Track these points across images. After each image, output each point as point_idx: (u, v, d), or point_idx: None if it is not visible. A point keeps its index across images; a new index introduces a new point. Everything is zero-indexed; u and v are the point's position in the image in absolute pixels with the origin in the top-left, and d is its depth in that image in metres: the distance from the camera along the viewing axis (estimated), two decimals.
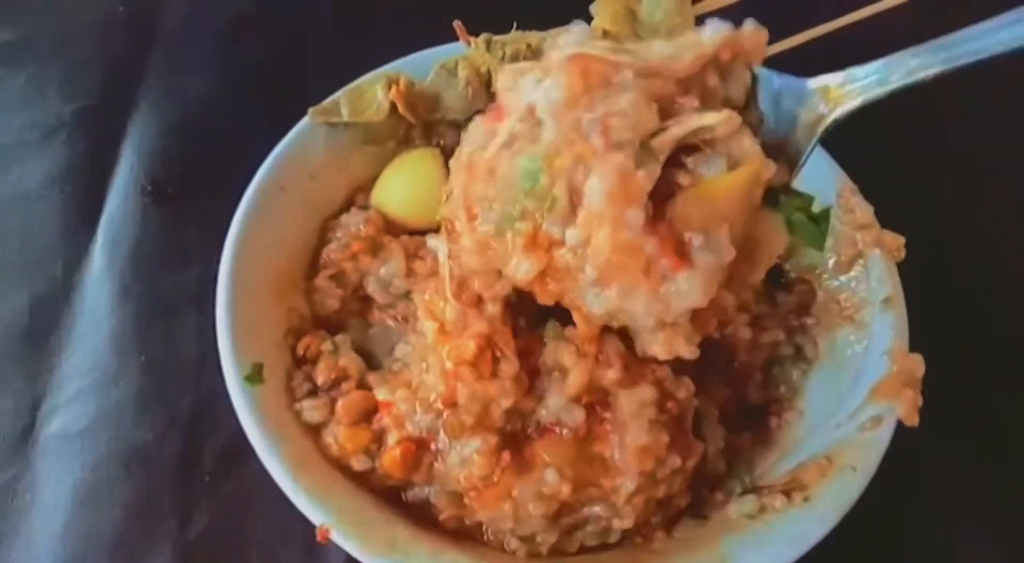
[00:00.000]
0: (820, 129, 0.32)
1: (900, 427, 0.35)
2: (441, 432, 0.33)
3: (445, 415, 0.33)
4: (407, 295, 0.38)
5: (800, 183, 0.42)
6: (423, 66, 0.43)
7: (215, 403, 0.44)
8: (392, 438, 0.34)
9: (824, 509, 0.33)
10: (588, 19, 0.44)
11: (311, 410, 0.36)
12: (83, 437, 0.44)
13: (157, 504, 0.42)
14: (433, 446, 0.34)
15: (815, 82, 0.32)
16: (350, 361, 0.37)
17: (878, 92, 0.31)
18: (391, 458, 0.34)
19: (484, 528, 0.35)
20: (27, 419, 0.45)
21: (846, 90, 0.31)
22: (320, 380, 0.37)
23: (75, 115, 0.57)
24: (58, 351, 0.47)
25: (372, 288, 0.40)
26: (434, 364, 0.34)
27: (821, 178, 0.41)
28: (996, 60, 0.28)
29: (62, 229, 0.52)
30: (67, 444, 0.44)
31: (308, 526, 0.40)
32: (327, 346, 0.38)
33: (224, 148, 0.53)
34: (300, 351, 0.38)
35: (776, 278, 0.42)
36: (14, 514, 0.42)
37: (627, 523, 0.33)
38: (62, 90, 0.59)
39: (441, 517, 0.35)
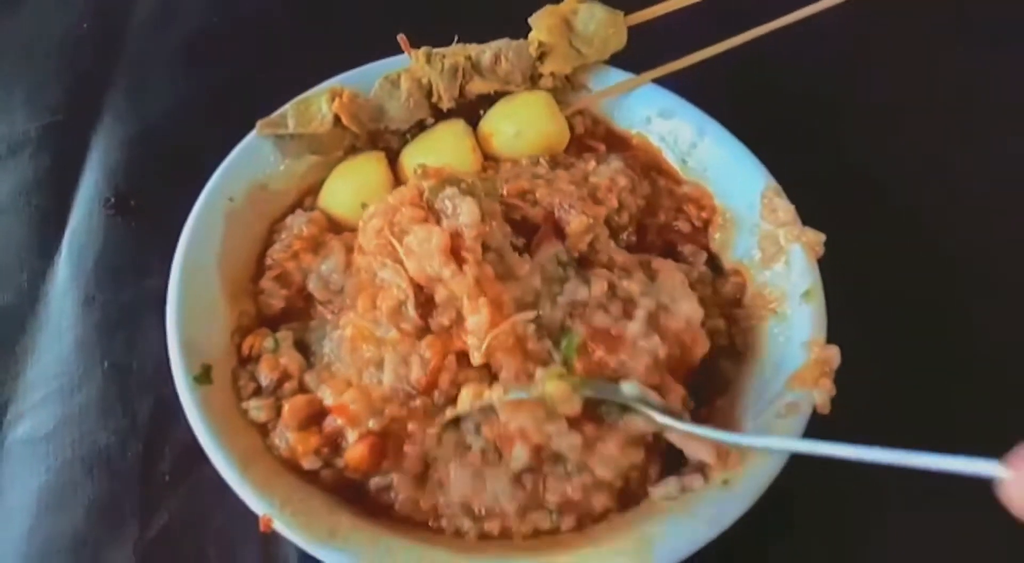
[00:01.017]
0: None
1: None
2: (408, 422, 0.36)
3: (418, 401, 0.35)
4: (344, 290, 0.40)
5: (728, 185, 0.45)
6: (369, 79, 0.45)
7: (174, 407, 0.44)
8: (352, 436, 0.36)
9: (742, 491, 0.35)
10: (527, 30, 0.46)
11: (257, 410, 0.38)
12: (48, 441, 0.45)
13: (119, 504, 0.44)
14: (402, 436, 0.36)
15: None
16: (291, 359, 0.39)
17: None
18: (359, 453, 0.36)
19: (439, 511, 0.36)
20: None
21: None
22: (263, 381, 0.39)
23: (40, 131, 0.58)
24: (24, 358, 0.49)
25: (313, 285, 0.41)
26: (393, 362, 0.36)
27: (748, 179, 0.44)
28: None
29: (28, 241, 0.53)
30: (32, 448, 0.45)
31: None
32: (269, 343, 0.39)
33: (185, 162, 0.54)
34: (244, 351, 0.39)
35: (715, 266, 0.45)
36: None
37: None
38: (27, 107, 0.60)
39: (398, 501, 0.36)
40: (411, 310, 0.37)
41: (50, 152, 0.57)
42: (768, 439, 0.36)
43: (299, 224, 0.42)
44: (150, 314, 0.48)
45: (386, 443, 0.36)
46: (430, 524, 0.37)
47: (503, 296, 0.36)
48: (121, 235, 0.53)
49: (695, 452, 0.35)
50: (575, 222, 0.40)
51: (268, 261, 0.42)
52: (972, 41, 0.61)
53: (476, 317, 0.35)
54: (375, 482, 0.37)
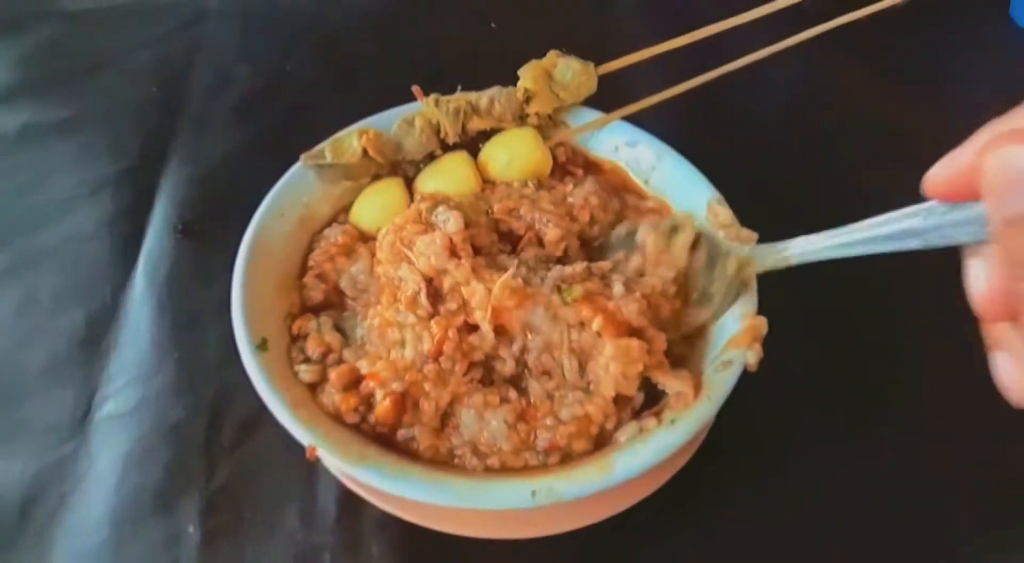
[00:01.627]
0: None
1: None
2: (424, 383, 0.45)
3: (431, 367, 0.44)
4: (368, 289, 0.50)
5: (682, 197, 0.54)
6: (389, 121, 0.55)
7: (233, 391, 0.55)
8: (380, 395, 0.45)
9: (685, 427, 0.43)
10: (516, 80, 0.56)
11: (306, 372, 0.46)
12: (130, 417, 0.54)
13: (188, 466, 0.52)
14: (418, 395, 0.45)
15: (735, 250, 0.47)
16: (332, 337, 0.48)
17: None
18: (384, 408, 0.44)
19: (453, 452, 0.45)
20: (85, 405, 0.55)
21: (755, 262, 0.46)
22: (311, 353, 0.47)
23: (118, 174, 0.68)
24: (107, 355, 0.57)
25: (344, 283, 0.50)
26: (412, 340, 0.46)
27: (697, 192, 0.53)
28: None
29: (110, 261, 0.62)
30: (117, 423, 0.54)
31: (304, 477, 0.51)
32: (313, 325, 0.49)
33: (239, 195, 0.62)
34: (294, 331, 0.49)
35: None
36: (75, 476, 0.52)
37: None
38: (107, 154, 0.70)
39: (421, 448, 0.44)
40: (423, 299, 0.47)
41: (127, 190, 0.67)
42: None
43: (335, 234, 0.52)
44: (212, 317, 0.58)
45: (406, 400, 0.45)
46: (448, 464, 0.45)
47: (495, 276, 0.46)
48: (188, 254, 0.62)
49: (674, 385, 0.44)
50: (551, 233, 0.50)
51: (310, 263, 0.52)
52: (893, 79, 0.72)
53: (476, 291, 0.45)
54: (402, 434, 0.45)
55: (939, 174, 0.32)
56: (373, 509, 0.49)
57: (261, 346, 0.46)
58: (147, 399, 0.55)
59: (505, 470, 0.44)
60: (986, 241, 0.30)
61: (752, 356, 0.45)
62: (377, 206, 0.52)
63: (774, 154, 0.68)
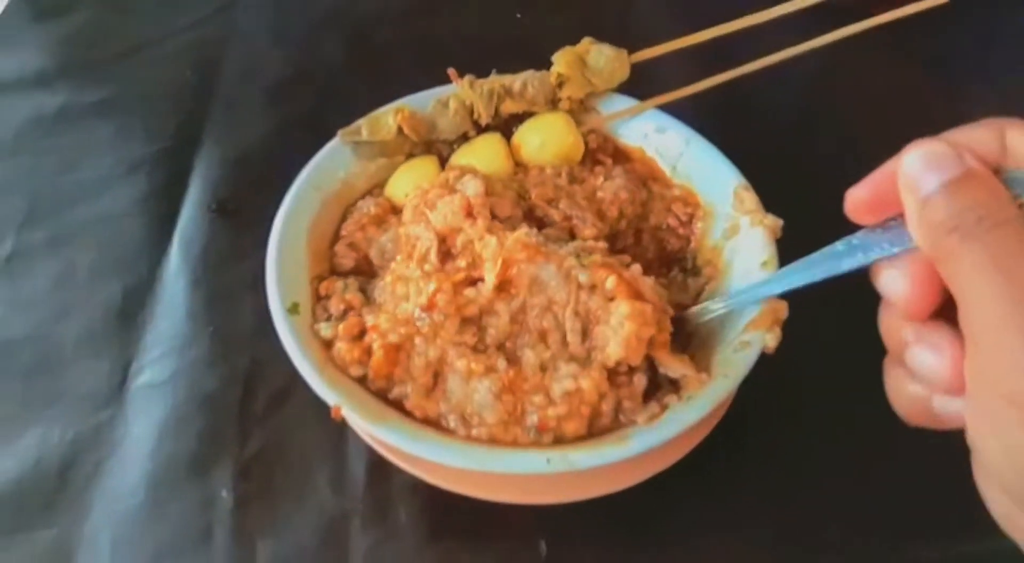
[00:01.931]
0: None
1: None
2: (416, 337, 0.45)
3: (425, 320, 0.45)
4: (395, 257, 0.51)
5: (708, 184, 0.55)
6: (425, 101, 0.56)
7: (265, 362, 0.56)
8: (376, 345, 0.45)
9: (702, 402, 0.44)
10: (549, 64, 0.57)
11: (325, 328, 0.47)
12: (165, 386, 0.56)
13: (222, 433, 0.53)
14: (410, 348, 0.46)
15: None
16: (354, 296, 0.49)
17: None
18: (376, 359, 0.45)
19: (440, 416, 0.45)
20: (120, 375, 0.56)
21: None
22: (333, 310, 0.49)
23: (154, 154, 0.70)
24: (143, 327, 0.59)
25: (373, 252, 0.52)
26: (414, 294, 0.46)
27: (723, 179, 0.54)
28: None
29: (145, 238, 0.64)
30: (152, 392, 0.55)
31: (334, 444, 0.53)
32: (339, 285, 0.50)
33: (271, 175, 0.64)
34: (321, 292, 0.50)
35: (684, 266, 0.54)
36: (112, 442, 0.53)
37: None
38: (143, 135, 0.72)
39: (410, 407, 0.45)
40: (433, 256, 0.48)
41: (163, 170, 0.69)
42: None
43: (368, 206, 0.53)
44: (245, 291, 0.59)
45: (398, 352, 0.46)
46: (439, 426, 0.45)
47: (510, 235, 0.46)
48: (221, 231, 0.64)
49: (677, 368, 0.45)
50: (587, 231, 0.51)
51: (343, 232, 0.53)
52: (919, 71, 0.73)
53: (488, 244, 0.46)
54: (395, 392, 0.46)
55: (858, 190, 0.33)
56: (401, 475, 0.50)
57: (292, 310, 0.48)
58: (182, 369, 0.57)
59: (494, 443, 0.44)
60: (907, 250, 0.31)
61: (771, 339, 0.46)
62: (411, 181, 0.54)
63: (802, 144, 0.69)
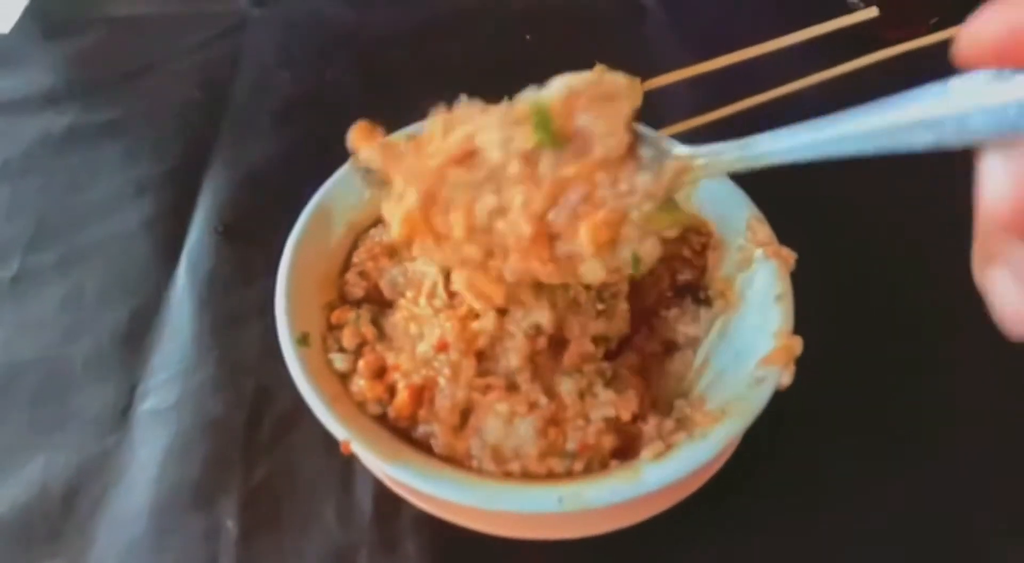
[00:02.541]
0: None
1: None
2: (439, 376, 0.45)
3: (439, 357, 0.45)
4: (406, 291, 0.50)
5: (721, 215, 0.55)
6: None
7: (272, 387, 0.56)
8: (401, 385, 0.45)
9: (716, 440, 0.43)
10: None
11: (339, 361, 0.47)
12: (170, 412, 0.55)
13: (227, 460, 0.53)
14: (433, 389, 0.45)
15: (679, 150, 0.39)
16: (368, 329, 0.49)
17: (737, 167, 0.36)
18: (401, 399, 0.45)
19: (470, 454, 0.45)
20: (126, 399, 0.56)
21: (703, 164, 0.38)
22: (346, 343, 0.48)
23: (162, 175, 0.70)
24: (150, 349, 0.59)
25: (384, 283, 0.51)
26: (428, 334, 0.46)
27: (736, 210, 0.54)
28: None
29: (153, 260, 0.64)
30: (158, 417, 0.55)
31: (341, 474, 0.52)
32: (352, 316, 0.49)
33: (279, 198, 0.64)
34: (333, 320, 0.50)
35: (696, 297, 0.54)
36: (117, 469, 0.53)
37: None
38: (151, 156, 0.72)
39: (439, 446, 0.45)
40: (441, 290, 0.48)
41: (170, 191, 0.69)
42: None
43: (380, 234, 0.53)
44: (252, 315, 0.60)
45: (423, 393, 0.46)
46: (464, 464, 0.45)
47: None
48: (228, 255, 0.64)
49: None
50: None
51: (354, 260, 0.53)
52: None
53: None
54: (419, 433, 0.46)
55: (982, 29, 0.22)
56: (409, 508, 0.50)
57: (302, 340, 0.48)
58: (187, 394, 0.57)
59: (527, 477, 0.45)
60: None
61: (786, 376, 0.45)
62: None
63: (813, 174, 0.68)
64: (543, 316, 0.46)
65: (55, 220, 0.67)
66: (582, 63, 0.64)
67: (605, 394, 0.46)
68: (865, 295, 0.60)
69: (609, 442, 0.45)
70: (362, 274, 0.53)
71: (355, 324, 0.49)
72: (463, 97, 0.56)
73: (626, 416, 0.45)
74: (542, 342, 0.47)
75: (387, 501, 0.51)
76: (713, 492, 0.49)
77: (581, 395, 0.46)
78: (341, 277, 0.53)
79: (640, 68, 0.59)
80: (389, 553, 0.50)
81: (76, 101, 0.77)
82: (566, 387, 0.46)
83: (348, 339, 0.49)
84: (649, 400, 0.49)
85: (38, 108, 0.76)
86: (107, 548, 0.50)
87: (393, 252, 0.53)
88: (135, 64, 0.80)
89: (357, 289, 0.52)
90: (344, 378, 0.48)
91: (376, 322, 0.50)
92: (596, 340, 0.48)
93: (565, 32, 0.84)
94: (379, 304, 0.52)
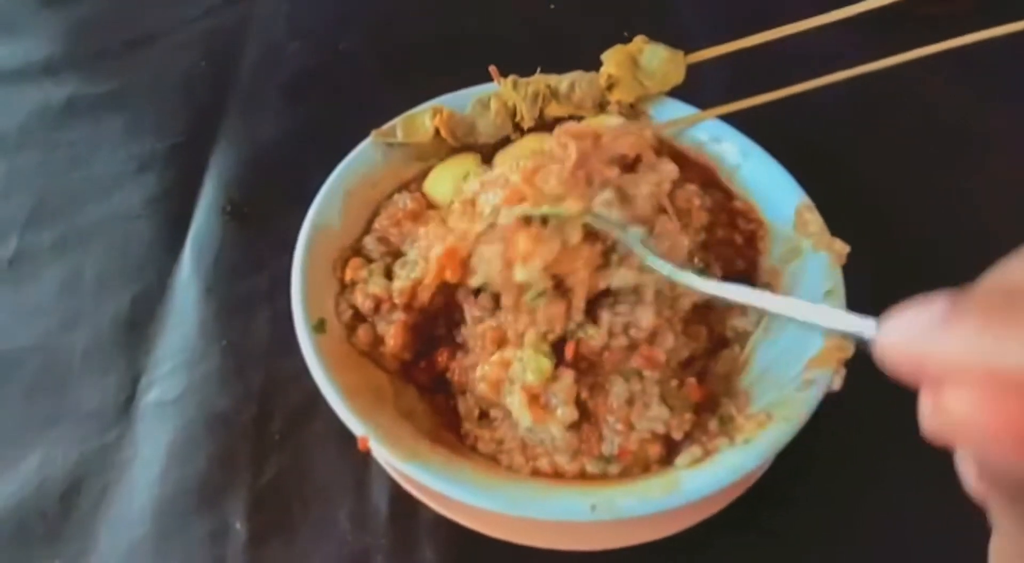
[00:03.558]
0: None
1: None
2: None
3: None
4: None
5: (767, 201, 0.51)
6: (463, 101, 0.53)
7: (283, 379, 0.53)
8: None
9: (760, 448, 0.41)
10: (599, 65, 0.54)
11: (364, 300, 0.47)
12: (175, 405, 0.53)
13: (235, 457, 0.50)
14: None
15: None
16: (382, 288, 0.47)
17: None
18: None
19: (501, 446, 0.43)
20: (129, 391, 0.54)
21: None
22: (361, 304, 0.47)
23: (166, 151, 0.67)
24: (154, 338, 0.56)
25: (407, 246, 0.49)
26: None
27: (784, 196, 0.50)
28: None
29: (156, 242, 0.61)
30: (162, 410, 0.53)
31: (356, 473, 0.50)
32: (365, 272, 0.48)
33: (289, 177, 0.63)
34: (347, 277, 0.48)
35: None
36: (119, 465, 0.51)
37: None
38: (155, 130, 0.69)
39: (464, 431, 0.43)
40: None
41: (175, 168, 0.66)
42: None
43: (404, 200, 0.51)
44: (261, 302, 0.57)
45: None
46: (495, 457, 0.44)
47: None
48: (236, 237, 0.61)
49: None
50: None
51: (374, 227, 0.51)
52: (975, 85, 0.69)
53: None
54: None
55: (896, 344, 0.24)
56: (427, 511, 0.47)
57: (318, 328, 0.45)
58: (193, 386, 0.54)
59: (558, 476, 0.42)
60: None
61: (837, 381, 0.42)
62: (452, 179, 0.51)
63: (861, 161, 0.64)
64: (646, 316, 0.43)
65: (53, 198, 0.65)
66: (608, 32, 0.61)
67: (659, 409, 0.43)
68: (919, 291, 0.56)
69: (655, 452, 0.42)
70: (381, 240, 0.50)
71: (366, 283, 0.47)
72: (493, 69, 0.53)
73: (677, 436, 0.42)
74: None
75: (404, 502, 0.48)
76: (749, 502, 0.46)
77: (630, 401, 0.43)
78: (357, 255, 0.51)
79: (668, 38, 0.56)
80: (406, 558, 0.47)
81: (75, 71, 0.74)
82: (616, 388, 0.43)
83: (362, 299, 0.47)
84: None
85: (35, 79, 0.73)
86: (108, 550, 0.48)
87: (419, 216, 0.50)
88: (137, 33, 0.77)
89: (374, 254, 0.50)
90: (354, 323, 0.46)
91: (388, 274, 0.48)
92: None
93: (590, 4, 0.80)
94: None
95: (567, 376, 0.42)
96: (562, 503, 0.40)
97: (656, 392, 0.43)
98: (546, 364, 0.41)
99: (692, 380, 0.44)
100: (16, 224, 0.63)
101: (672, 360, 0.44)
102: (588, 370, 0.43)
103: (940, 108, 0.68)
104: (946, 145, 0.66)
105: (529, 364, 0.41)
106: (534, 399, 0.41)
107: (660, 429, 0.42)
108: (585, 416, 0.43)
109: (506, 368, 0.42)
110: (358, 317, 0.47)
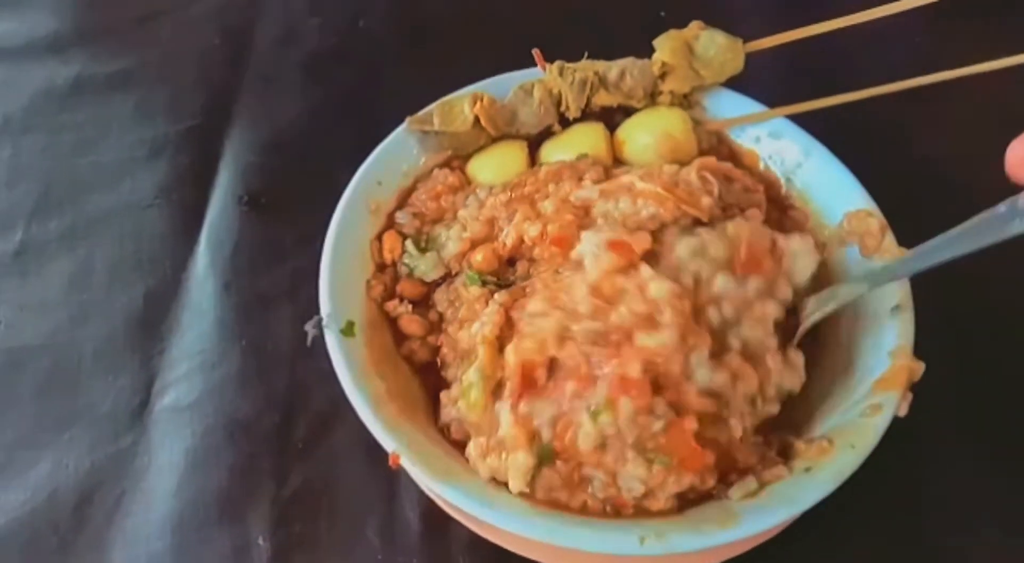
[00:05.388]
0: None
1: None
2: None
3: None
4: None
5: (829, 205, 0.49)
6: (503, 87, 0.51)
7: (308, 383, 0.51)
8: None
9: (823, 479, 0.38)
10: (651, 51, 0.51)
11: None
12: (192, 410, 0.51)
13: (257, 467, 0.49)
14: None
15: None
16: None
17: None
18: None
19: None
20: (143, 394, 0.52)
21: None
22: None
23: (179, 134, 0.65)
24: (168, 337, 0.54)
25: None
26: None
27: (848, 201, 0.47)
28: None
29: (170, 233, 0.59)
30: (178, 415, 0.51)
31: (386, 484, 0.48)
32: (403, 248, 0.47)
33: (309, 163, 0.61)
34: (386, 258, 0.47)
35: None
36: (133, 474, 0.49)
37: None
38: (167, 112, 0.67)
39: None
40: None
41: (188, 153, 0.64)
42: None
43: (444, 175, 0.49)
44: (282, 298, 0.55)
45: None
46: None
47: None
48: (254, 229, 0.59)
49: None
50: None
51: (409, 201, 0.49)
52: None
53: None
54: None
55: (1020, 145, 0.30)
56: (460, 528, 0.45)
57: (347, 331, 0.43)
58: (211, 390, 0.52)
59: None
60: None
61: (904, 407, 0.40)
62: (497, 167, 0.50)
63: (931, 154, 0.61)
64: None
65: (60, 186, 0.63)
66: (644, 14, 0.58)
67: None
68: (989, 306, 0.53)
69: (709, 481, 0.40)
70: (416, 215, 0.49)
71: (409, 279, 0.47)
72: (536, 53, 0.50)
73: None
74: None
75: (437, 517, 0.46)
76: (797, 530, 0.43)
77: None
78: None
79: (711, 18, 0.53)
80: None
81: (83, 49, 0.71)
82: None
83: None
84: None
85: (41, 57, 0.71)
86: None
87: (457, 189, 0.49)
88: (148, 8, 0.74)
89: (407, 230, 0.48)
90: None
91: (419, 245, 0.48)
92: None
93: None
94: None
95: None
96: (608, 535, 0.38)
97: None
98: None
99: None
100: (22, 213, 0.61)
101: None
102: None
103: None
104: None
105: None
106: None
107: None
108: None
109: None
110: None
